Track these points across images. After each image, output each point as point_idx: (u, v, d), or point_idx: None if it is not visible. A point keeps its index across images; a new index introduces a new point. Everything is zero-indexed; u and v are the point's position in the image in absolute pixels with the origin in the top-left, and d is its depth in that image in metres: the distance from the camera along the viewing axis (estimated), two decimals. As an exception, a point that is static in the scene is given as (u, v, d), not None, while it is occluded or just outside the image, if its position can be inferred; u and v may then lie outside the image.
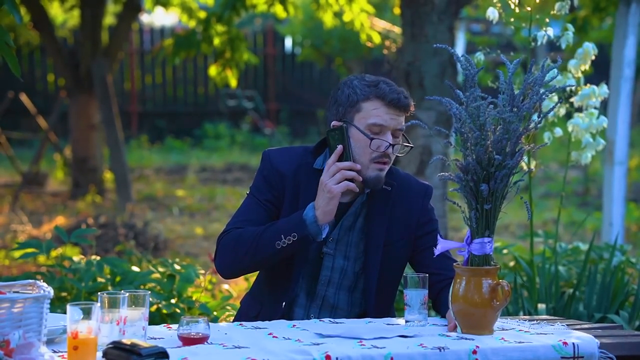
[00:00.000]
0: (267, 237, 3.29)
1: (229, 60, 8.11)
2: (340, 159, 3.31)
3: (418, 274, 3.17)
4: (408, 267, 3.54)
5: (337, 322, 3.20)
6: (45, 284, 2.76)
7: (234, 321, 3.48)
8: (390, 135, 3.32)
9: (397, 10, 6.50)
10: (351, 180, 3.28)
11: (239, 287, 6.18)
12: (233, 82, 8.27)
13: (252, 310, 3.46)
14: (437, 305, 3.39)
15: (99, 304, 2.63)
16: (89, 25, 11.44)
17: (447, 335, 2.95)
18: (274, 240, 3.28)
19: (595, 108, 4.65)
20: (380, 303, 3.42)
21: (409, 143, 3.39)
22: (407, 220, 3.44)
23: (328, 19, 8.08)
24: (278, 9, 7.64)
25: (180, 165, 15.35)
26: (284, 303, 3.37)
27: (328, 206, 3.27)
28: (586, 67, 4.63)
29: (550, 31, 4.52)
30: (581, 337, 2.92)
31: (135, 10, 11.60)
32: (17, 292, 2.75)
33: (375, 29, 8.43)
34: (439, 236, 3.21)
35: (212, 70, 8.29)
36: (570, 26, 4.62)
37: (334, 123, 3.37)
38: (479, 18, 13.59)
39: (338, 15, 8.15)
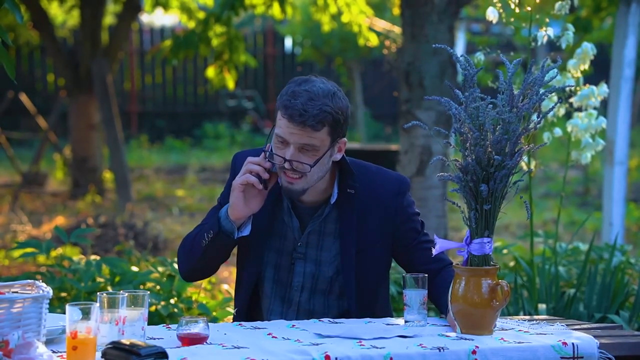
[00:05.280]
0: (198, 237, 3.29)
1: (227, 61, 8.10)
2: None
3: (417, 274, 3.14)
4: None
5: (336, 322, 3.19)
6: (44, 284, 2.76)
7: (233, 320, 3.48)
8: (292, 149, 3.14)
9: (397, 11, 6.51)
10: (257, 175, 3.15)
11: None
12: (231, 84, 8.25)
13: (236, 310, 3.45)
14: (432, 294, 3.26)
15: (98, 304, 2.63)
16: (89, 25, 11.44)
17: (447, 336, 2.95)
18: (200, 239, 3.28)
19: (594, 108, 4.66)
20: (362, 304, 3.36)
21: (311, 162, 3.14)
22: (382, 223, 3.34)
23: (326, 21, 8.07)
24: (275, 10, 7.63)
25: (180, 165, 15.35)
26: (236, 309, 3.38)
27: (231, 198, 3.20)
28: (585, 67, 4.63)
29: (551, 31, 4.52)
30: (581, 337, 2.92)
31: (135, 10, 11.61)
32: (17, 292, 2.75)
33: (375, 29, 8.43)
34: (436, 236, 3.16)
35: (210, 72, 8.28)
36: (570, 26, 4.62)
37: None
38: (479, 18, 13.56)
39: (336, 17, 8.14)
